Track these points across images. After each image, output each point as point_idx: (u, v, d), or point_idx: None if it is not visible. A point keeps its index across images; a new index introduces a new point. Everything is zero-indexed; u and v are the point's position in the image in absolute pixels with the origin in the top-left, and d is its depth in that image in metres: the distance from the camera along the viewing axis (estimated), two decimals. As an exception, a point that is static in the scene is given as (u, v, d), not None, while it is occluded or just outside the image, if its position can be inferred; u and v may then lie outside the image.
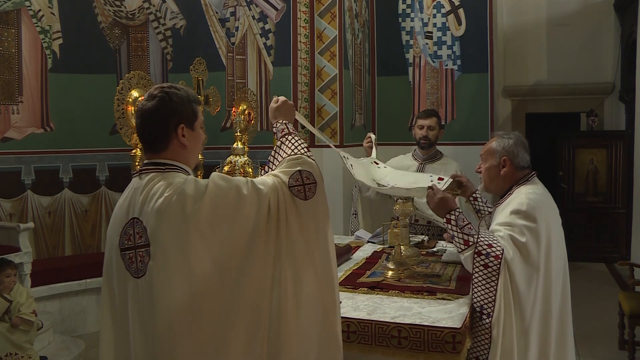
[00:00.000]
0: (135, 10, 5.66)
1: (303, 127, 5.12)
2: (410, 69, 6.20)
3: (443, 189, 2.48)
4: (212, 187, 1.53)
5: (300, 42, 5.25)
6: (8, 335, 3.53)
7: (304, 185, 1.62)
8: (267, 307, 1.56)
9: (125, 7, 5.61)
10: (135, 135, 3.34)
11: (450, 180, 2.60)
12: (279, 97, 2.01)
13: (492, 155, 2.43)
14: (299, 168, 1.65)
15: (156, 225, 1.50)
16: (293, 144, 1.79)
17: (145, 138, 1.63)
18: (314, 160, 1.72)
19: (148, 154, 1.64)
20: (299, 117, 2.16)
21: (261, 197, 1.56)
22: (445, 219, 2.29)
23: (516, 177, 2.40)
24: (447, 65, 6.06)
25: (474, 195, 2.65)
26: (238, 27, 5.58)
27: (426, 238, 3.27)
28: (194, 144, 1.67)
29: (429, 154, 3.62)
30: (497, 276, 2.11)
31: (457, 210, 2.28)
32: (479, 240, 2.17)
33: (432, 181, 2.56)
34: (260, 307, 1.54)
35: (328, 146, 5.09)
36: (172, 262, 1.48)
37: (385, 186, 2.67)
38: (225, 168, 3.37)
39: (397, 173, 2.85)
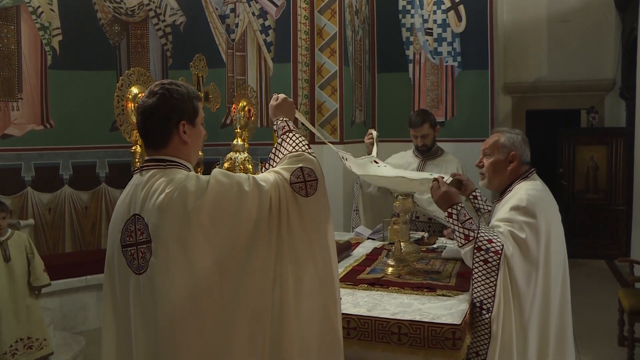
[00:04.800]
0: (135, 6, 5.65)
1: (303, 124, 5.13)
2: (411, 65, 6.19)
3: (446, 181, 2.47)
4: (213, 184, 1.53)
5: (300, 38, 5.24)
6: (22, 317, 3.50)
7: (305, 182, 1.62)
8: (269, 303, 1.56)
9: (125, 3, 5.60)
10: (135, 131, 3.33)
11: (451, 179, 2.60)
12: (279, 95, 2.01)
13: (499, 150, 2.42)
14: (300, 165, 1.65)
15: (158, 222, 1.50)
16: (294, 141, 1.79)
17: (146, 135, 1.63)
18: (315, 157, 1.72)
19: (149, 151, 1.64)
20: (299, 116, 2.15)
21: (263, 194, 1.56)
22: (447, 212, 2.29)
23: (518, 173, 2.41)
24: (447, 62, 6.05)
25: (473, 193, 2.65)
26: (238, 23, 5.57)
27: (426, 235, 3.28)
28: (195, 141, 1.67)
29: (429, 153, 3.63)
30: (496, 272, 2.11)
31: (460, 204, 2.28)
32: (479, 235, 2.17)
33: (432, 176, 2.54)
34: (262, 304, 1.54)
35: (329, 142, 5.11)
36: (173, 258, 1.48)
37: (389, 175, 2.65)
38: (225, 165, 3.37)
39: (397, 171, 2.84)
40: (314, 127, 5.20)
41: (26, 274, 3.64)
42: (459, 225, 2.23)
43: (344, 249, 2.82)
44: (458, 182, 2.64)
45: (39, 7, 5.11)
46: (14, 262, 3.57)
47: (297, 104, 5.22)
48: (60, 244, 5.29)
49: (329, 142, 2.69)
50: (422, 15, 6.09)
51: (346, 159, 2.50)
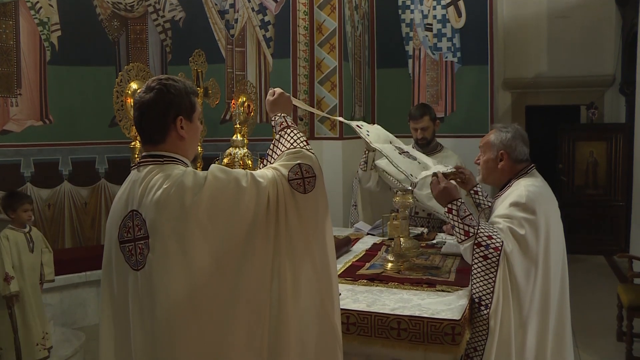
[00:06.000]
0: (134, 2, 5.63)
1: (301, 119, 5.12)
2: (410, 61, 6.18)
3: (446, 172, 2.47)
4: (211, 179, 1.52)
5: (299, 34, 5.23)
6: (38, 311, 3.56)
7: (303, 178, 1.62)
8: (267, 299, 1.56)
9: (124, -2, 5.59)
10: (134, 127, 3.34)
11: (454, 170, 2.59)
12: (275, 90, 2.00)
13: (489, 149, 2.43)
14: (298, 161, 1.65)
15: (155, 218, 1.49)
16: (292, 137, 1.79)
17: (143, 130, 1.63)
18: (313, 153, 1.72)
19: (146, 146, 1.64)
20: (297, 102, 2.14)
21: (260, 190, 1.56)
22: (446, 208, 2.29)
23: (515, 170, 2.41)
24: (447, 58, 6.04)
25: (474, 189, 2.65)
26: (237, 19, 5.56)
27: (426, 230, 3.28)
28: (192, 136, 1.67)
29: (429, 147, 3.63)
30: (496, 268, 2.11)
31: (459, 200, 2.28)
32: (479, 231, 2.17)
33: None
34: (260, 300, 1.54)
35: (327, 138, 5.11)
36: (171, 254, 1.47)
37: (407, 152, 2.66)
38: (225, 160, 3.37)
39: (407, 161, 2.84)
40: (314, 122, 5.20)
41: (39, 268, 3.71)
42: (459, 221, 2.23)
43: (344, 244, 2.82)
44: (460, 174, 2.63)
45: (38, 2, 5.09)
46: (35, 255, 3.64)
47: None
48: (60, 239, 5.29)
49: (327, 114, 2.69)
50: (422, 11, 6.08)
51: (361, 126, 2.50)
